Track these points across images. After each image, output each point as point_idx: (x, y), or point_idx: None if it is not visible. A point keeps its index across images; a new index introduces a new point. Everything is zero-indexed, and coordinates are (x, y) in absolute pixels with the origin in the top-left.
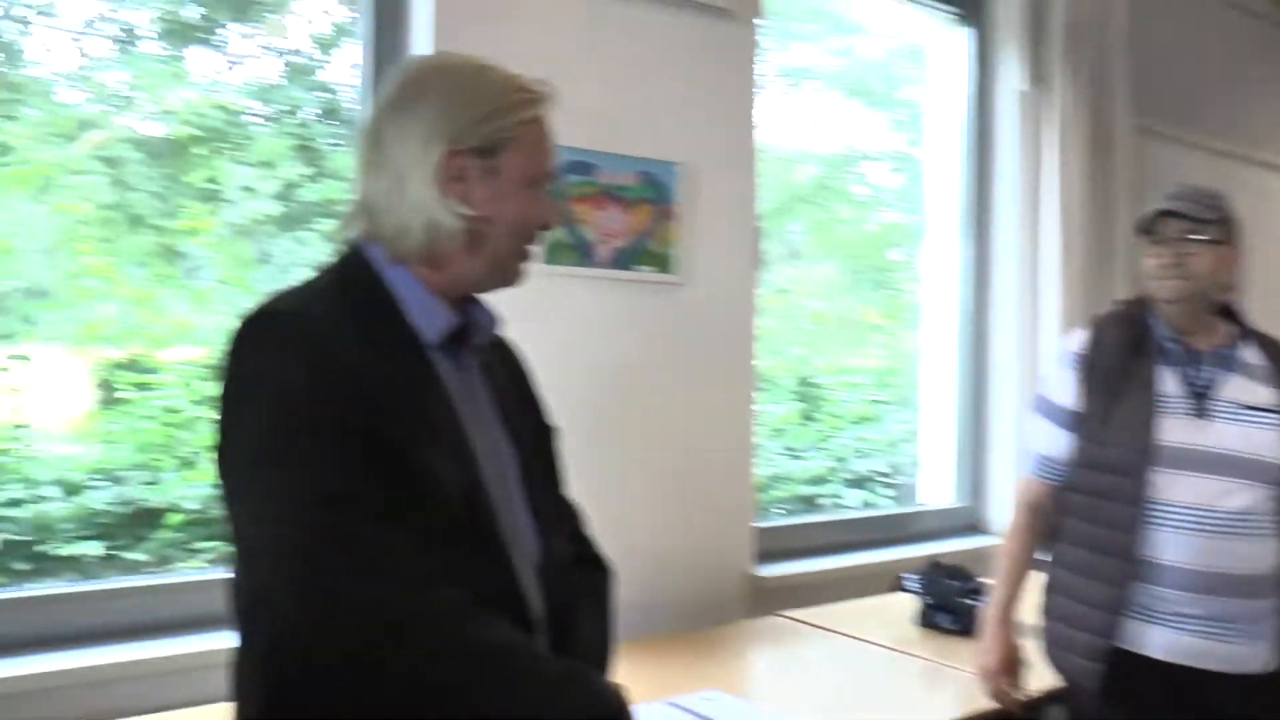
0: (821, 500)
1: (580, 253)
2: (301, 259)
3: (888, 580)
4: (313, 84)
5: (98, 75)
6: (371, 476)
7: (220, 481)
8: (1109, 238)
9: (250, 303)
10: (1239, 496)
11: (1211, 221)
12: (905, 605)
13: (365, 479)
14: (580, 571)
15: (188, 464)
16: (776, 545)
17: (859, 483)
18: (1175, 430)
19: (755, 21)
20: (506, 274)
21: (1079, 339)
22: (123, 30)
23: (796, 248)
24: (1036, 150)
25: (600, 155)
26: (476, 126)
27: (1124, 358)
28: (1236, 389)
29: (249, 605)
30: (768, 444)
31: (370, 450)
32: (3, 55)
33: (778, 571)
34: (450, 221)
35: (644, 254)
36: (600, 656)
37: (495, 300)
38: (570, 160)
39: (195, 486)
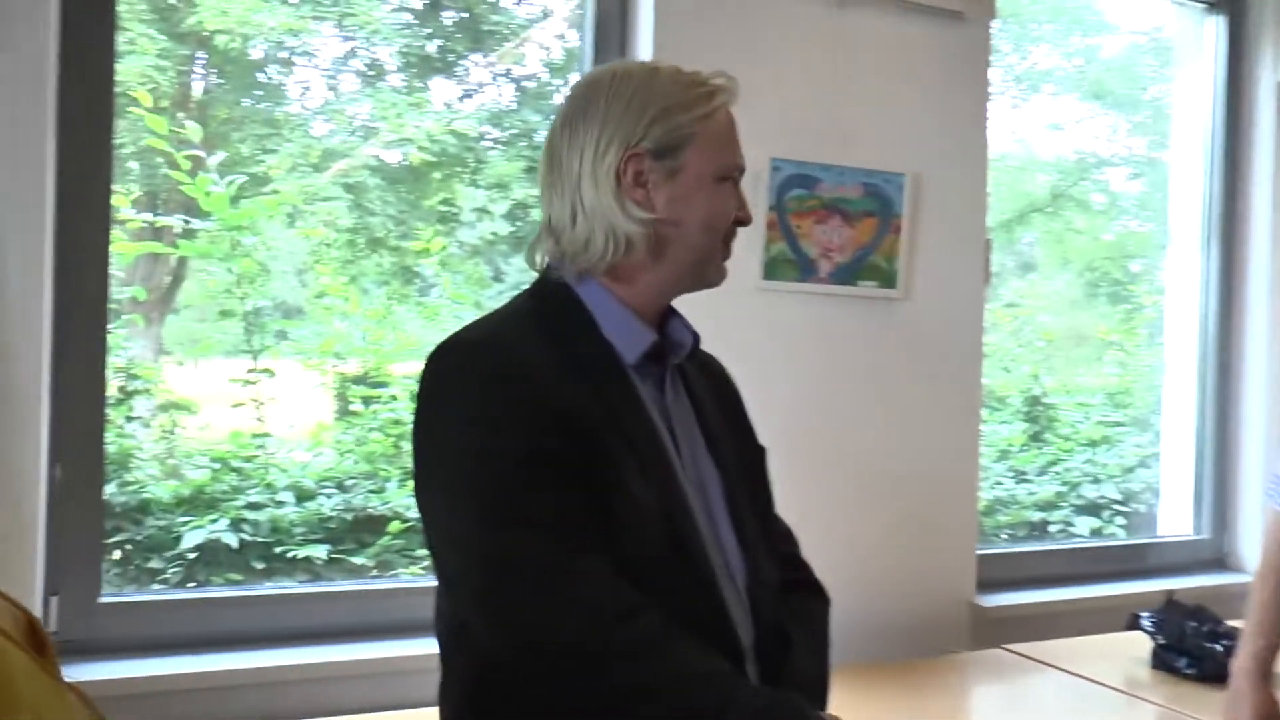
0: (1050, 527)
1: (800, 268)
2: (532, 277)
3: (1121, 616)
4: (545, 107)
5: (346, 108)
6: (567, 503)
7: (419, 507)
8: None
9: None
10: None
11: None
12: (1139, 644)
13: (560, 506)
14: (794, 598)
15: (410, 474)
16: (1001, 574)
17: (1091, 510)
18: None
19: (990, 24)
20: (704, 274)
21: None
22: (368, 65)
23: (1029, 259)
24: None
25: (823, 168)
26: (651, 127)
27: None
28: None
29: (452, 633)
30: (993, 466)
31: (564, 476)
32: (263, 94)
33: (1002, 601)
34: (633, 228)
35: (866, 269)
36: (814, 687)
37: (710, 317)
38: (791, 174)
39: None
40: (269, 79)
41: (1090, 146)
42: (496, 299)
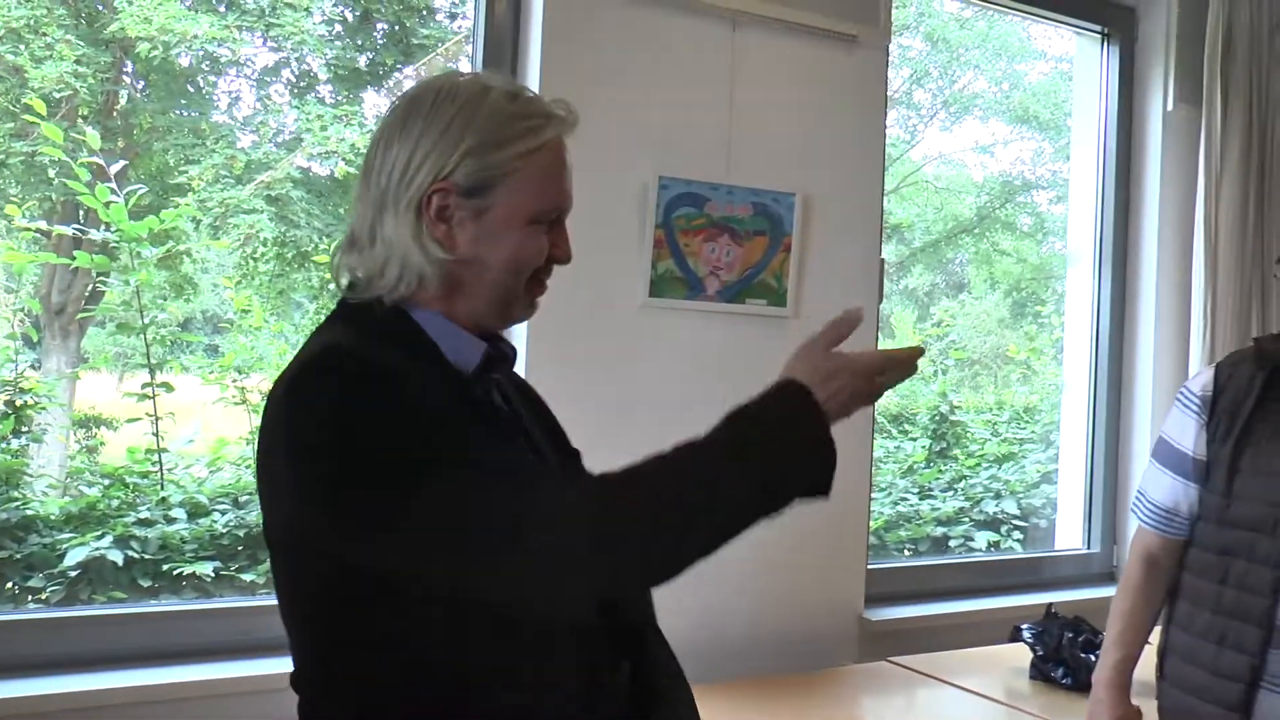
0: (951, 542)
1: (688, 286)
2: None
3: (1008, 629)
4: None
5: (272, 120)
6: (487, 446)
7: (331, 525)
8: (1268, 269)
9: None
10: None
11: None
12: (1020, 656)
13: (483, 447)
14: None
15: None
16: (892, 588)
17: (991, 525)
18: None
19: (886, 47)
20: (508, 313)
21: (1203, 380)
22: (298, 77)
23: (960, 279)
24: (1186, 174)
25: (712, 186)
26: (464, 160)
27: (1258, 401)
28: None
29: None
30: (899, 482)
31: (475, 433)
32: (189, 103)
33: (890, 615)
34: (425, 266)
35: (755, 287)
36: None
37: (595, 334)
38: (680, 192)
39: None
40: (196, 89)
41: (1016, 169)
42: None
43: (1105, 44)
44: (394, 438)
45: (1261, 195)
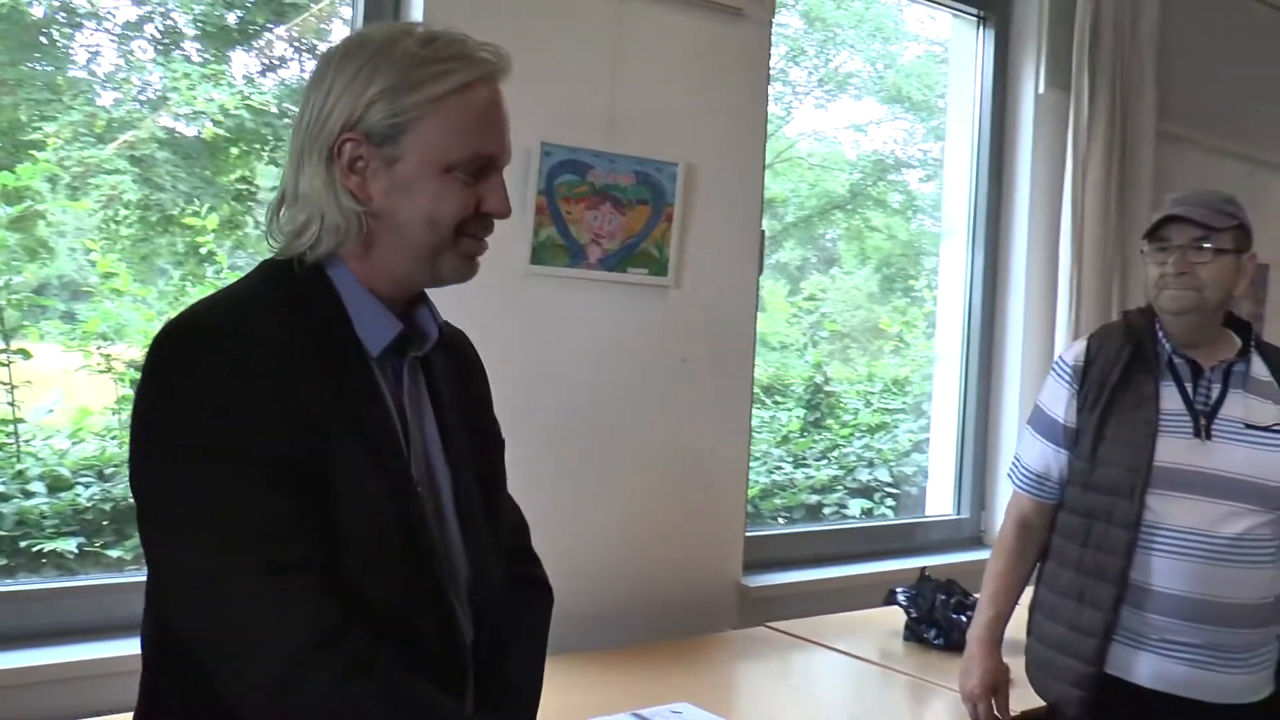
0: (825, 509)
1: (570, 254)
2: None
3: (882, 593)
4: None
5: (135, 77)
6: (282, 515)
7: (135, 499)
8: (1129, 247)
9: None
10: (1239, 522)
11: (1223, 228)
12: (894, 618)
13: (275, 519)
14: (518, 595)
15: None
16: (769, 555)
17: (864, 492)
18: (1175, 451)
19: (770, 22)
20: (436, 271)
21: (1075, 351)
22: (162, 33)
23: (832, 254)
24: (1055, 155)
25: (594, 154)
26: (371, 107)
27: (1124, 372)
28: (1242, 407)
29: (159, 641)
30: (774, 451)
31: (287, 484)
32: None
33: (767, 581)
34: (339, 219)
35: (637, 256)
36: (531, 690)
37: (476, 301)
38: (562, 159)
39: None
40: (51, 41)
41: (889, 148)
42: None
43: (981, 27)
44: (199, 465)
45: (1124, 177)
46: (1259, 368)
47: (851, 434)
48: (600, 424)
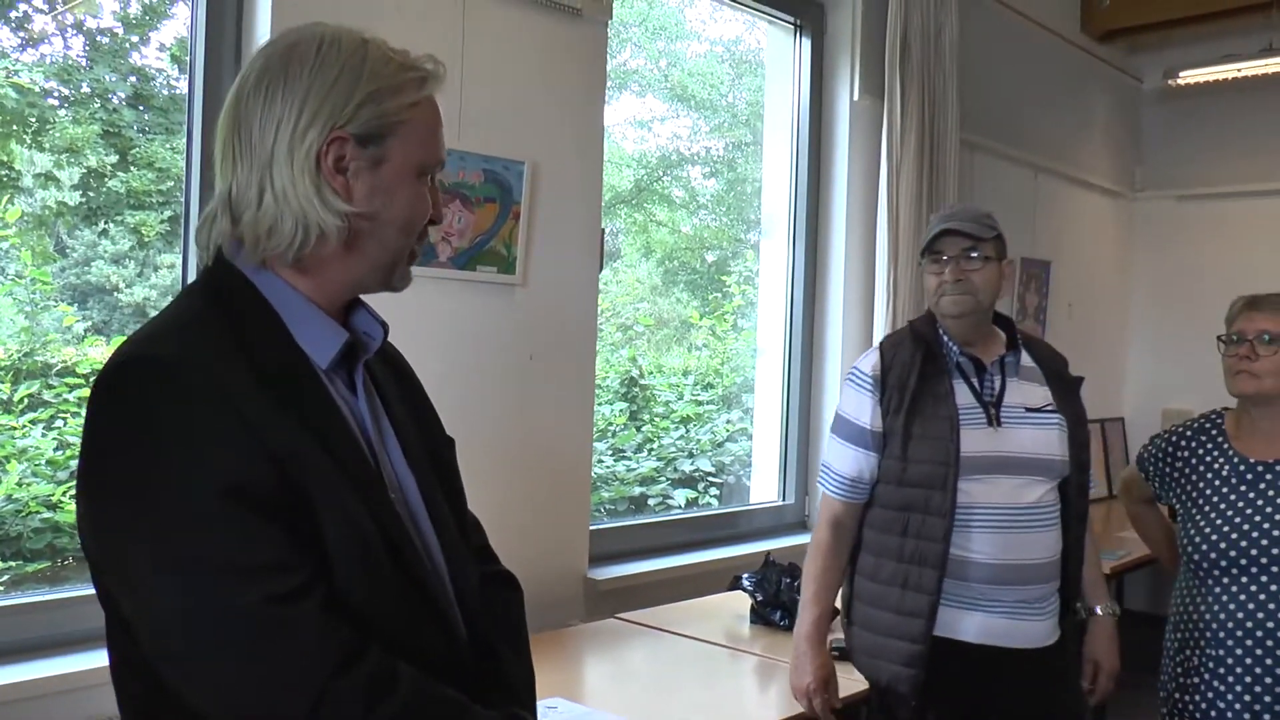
0: (650, 500)
1: (422, 252)
2: (103, 252)
3: (724, 579)
4: (122, 66)
5: None
6: (269, 543)
7: (94, 543)
8: None
9: (50, 301)
10: (1033, 491)
11: (987, 238)
12: (739, 603)
13: (261, 548)
14: (493, 593)
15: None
16: (612, 547)
17: (687, 482)
18: (974, 440)
19: (606, 23)
20: (392, 276)
21: (871, 361)
22: None
23: (613, 249)
24: (870, 158)
25: (445, 153)
26: (360, 109)
27: (919, 376)
28: (1020, 394)
29: (144, 688)
30: (596, 445)
31: (266, 512)
32: None
33: (614, 573)
34: (327, 219)
35: (486, 254)
36: (527, 687)
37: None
38: None
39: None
40: None
41: (672, 145)
42: (63, 276)
43: (798, 35)
44: (161, 508)
45: (933, 181)
46: (1025, 357)
47: (668, 426)
48: (451, 422)
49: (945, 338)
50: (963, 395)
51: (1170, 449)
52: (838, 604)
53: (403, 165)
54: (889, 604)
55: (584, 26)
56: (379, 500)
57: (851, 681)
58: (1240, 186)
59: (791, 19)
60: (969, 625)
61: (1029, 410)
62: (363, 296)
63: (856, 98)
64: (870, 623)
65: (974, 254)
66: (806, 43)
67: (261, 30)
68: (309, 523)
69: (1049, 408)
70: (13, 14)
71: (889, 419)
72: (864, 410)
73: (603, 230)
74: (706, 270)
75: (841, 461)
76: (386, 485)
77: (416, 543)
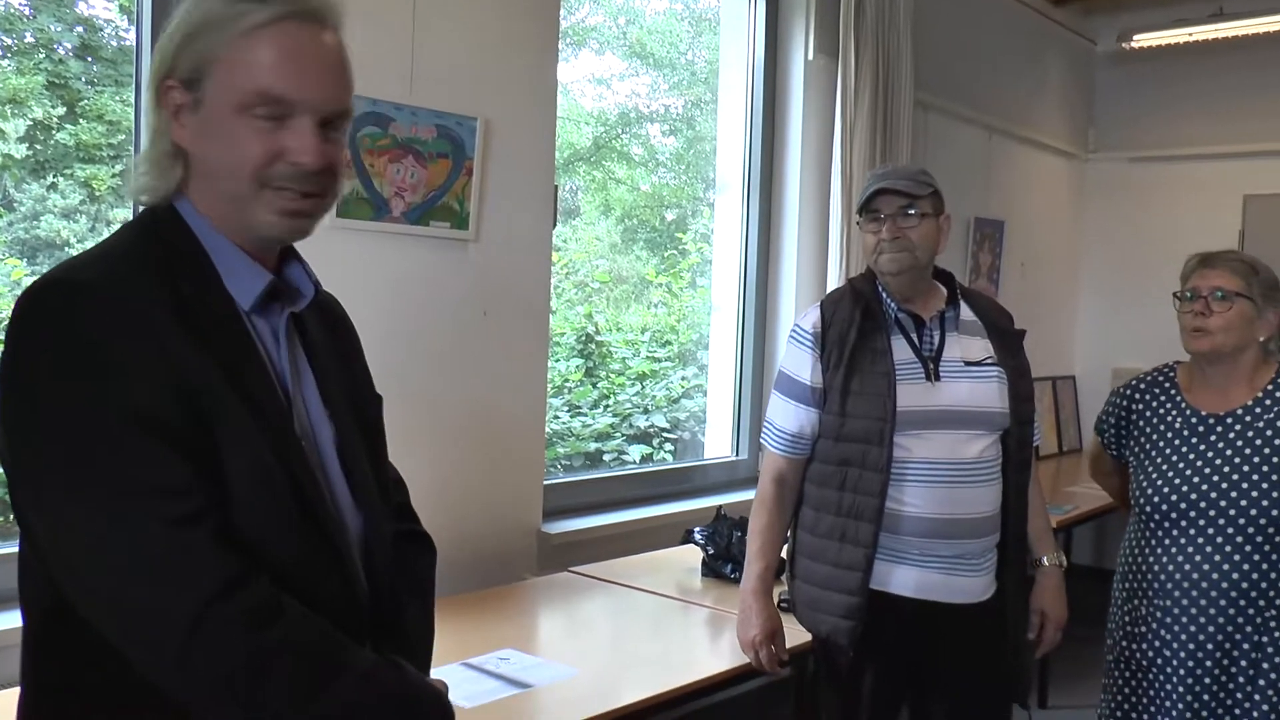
0: (605, 456)
1: (373, 207)
2: (52, 206)
3: (678, 533)
4: (67, 15)
5: None
6: (170, 471)
7: (8, 466)
8: None
9: None
10: (973, 446)
11: (923, 195)
12: (691, 556)
13: (162, 474)
14: (404, 549)
15: None
16: (566, 502)
17: (642, 438)
18: (912, 395)
19: None
20: (249, 224)
21: (812, 319)
22: None
23: (572, 206)
24: (824, 118)
25: (396, 107)
26: (181, 51)
27: (858, 332)
28: (959, 348)
29: (47, 612)
30: (551, 401)
31: (171, 439)
32: None
33: (567, 527)
34: (169, 161)
35: (439, 210)
36: (424, 644)
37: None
38: (365, 111)
39: None
40: None
41: (631, 102)
42: (10, 230)
43: None
44: (79, 422)
45: (887, 140)
46: (966, 311)
47: (624, 383)
48: (405, 378)
49: (884, 294)
50: (901, 351)
51: (1125, 402)
52: (784, 557)
53: (220, 102)
54: (828, 557)
55: None
56: (284, 441)
57: (798, 633)
58: (1191, 149)
59: None
60: (903, 579)
61: (968, 364)
62: (302, 255)
63: (811, 57)
64: (810, 575)
65: (910, 211)
66: (761, 2)
67: None
68: (211, 455)
69: (989, 360)
70: None
71: (828, 375)
72: (804, 367)
73: (556, 187)
74: (666, 228)
75: (783, 417)
76: (293, 428)
77: (322, 486)
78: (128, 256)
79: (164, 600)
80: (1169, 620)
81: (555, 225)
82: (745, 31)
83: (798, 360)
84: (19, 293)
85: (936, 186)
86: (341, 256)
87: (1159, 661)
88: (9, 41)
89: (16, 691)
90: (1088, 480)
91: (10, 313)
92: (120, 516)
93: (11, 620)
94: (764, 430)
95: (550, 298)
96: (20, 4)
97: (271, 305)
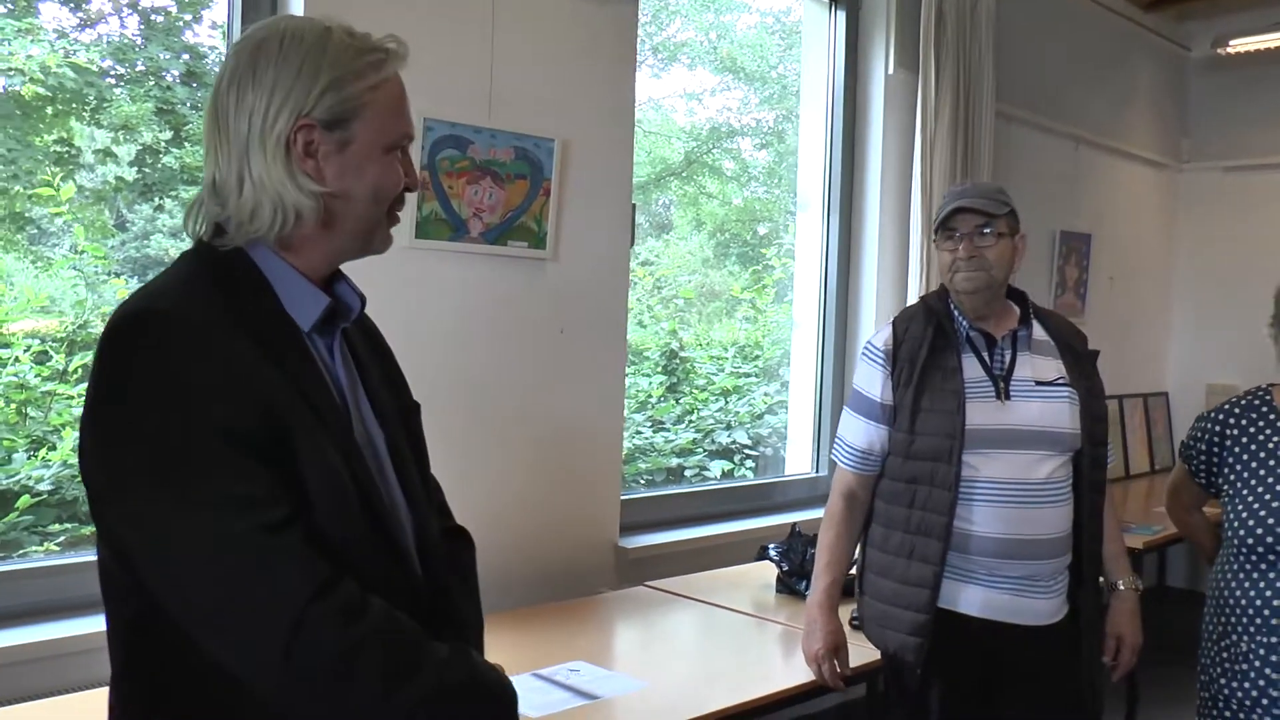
0: (686, 472)
1: (452, 228)
2: (161, 226)
3: (753, 549)
4: (175, 44)
5: None
6: (259, 481)
7: (100, 477)
8: None
9: (106, 275)
10: (1043, 467)
11: (1001, 215)
12: (767, 573)
13: (253, 484)
14: (450, 544)
15: (41, 443)
16: (643, 517)
17: (723, 454)
18: (982, 413)
19: (636, 2)
20: (371, 243)
21: (884, 336)
22: None
23: (665, 220)
24: (904, 132)
25: (475, 130)
26: (323, 97)
27: (929, 350)
28: (1030, 367)
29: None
30: (634, 417)
31: (257, 453)
32: None
33: (643, 542)
34: (302, 200)
35: (517, 229)
36: (475, 632)
37: (362, 275)
38: (444, 134)
39: (50, 467)
40: None
41: (723, 117)
42: (123, 249)
43: (832, 10)
44: (173, 442)
45: (967, 154)
46: (1039, 331)
47: (708, 398)
48: (483, 394)
49: (956, 312)
50: (972, 369)
51: (1218, 428)
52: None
53: (368, 144)
54: (896, 574)
55: (614, 6)
56: (351, 449)
57: (869, 651)
58: None
59: None
60: (971, 598)
61: (1039, 384)
62: (344, 270)
63: (891, 71)
64: (879, 592)
65: (986, 230)
66: (842, 16)
67: (295, 6)
68: (291, 465)
69: (1060, 381)
70: None
71: (899, 392)
72: (875, 383)
73: (634, 205)
74: (758, 242)
75: (853, 434)
76: (357, 439)
77: (381, 490)
78: (196, 285)
79: (265, 605)
80: (1274, 658)
81: (633, 243)
82: (826, 47)
83: (869, 377)
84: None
85: (1013, 206)
86: (420, 276)
87: (1265, 702)
88: (122, 70)
89: (104, 691)
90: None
91: (98, 344)
92: (220, 526)
93: (94, 624)
94: (835, 446)
95: (627, 314)
96: (133, 35)
97: (326, 325)
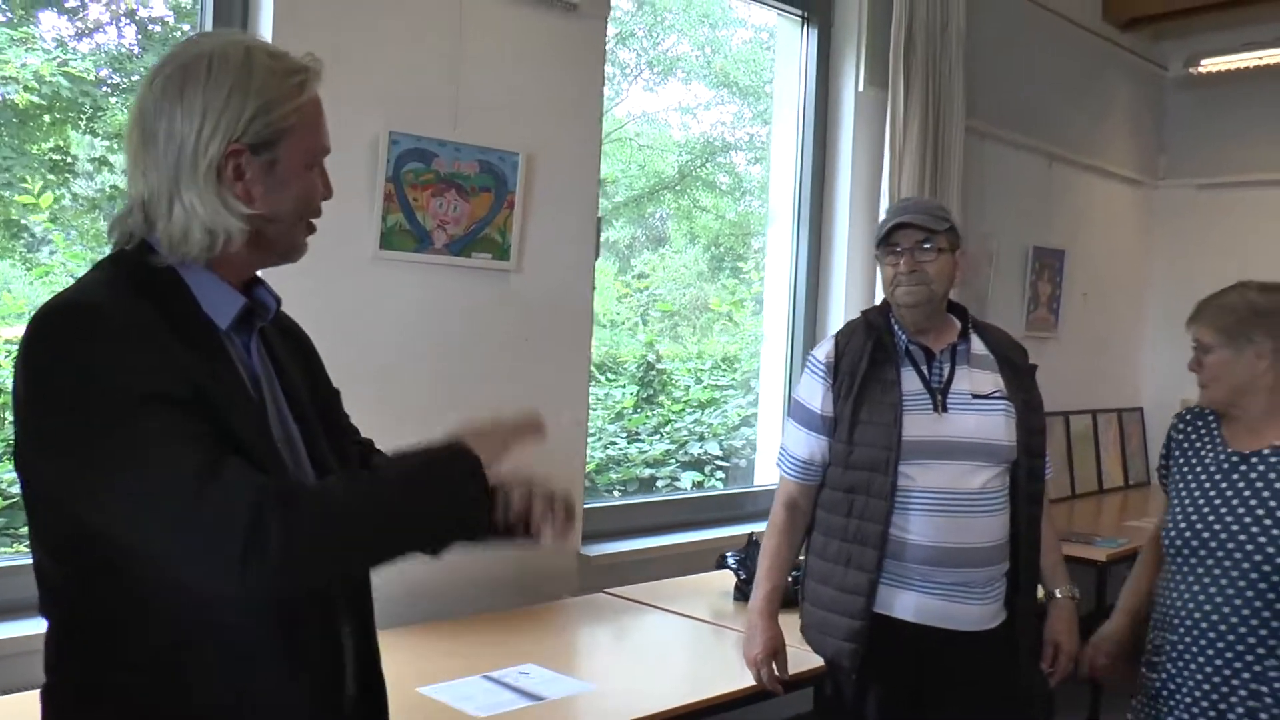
0: (658, 482)
1: (417, 239)
2: None
3: (714, 558)
4: None
5: None
6: (211, 431)
7: (41, 463)
8: None
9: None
10: (977, 477)
11: (941, 231)
12: (727, 581)
13: (207, 434)
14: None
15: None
16: (609, 525)
17: (695, 465)
18: (919, 425)
19: (605, 19)
20: (290, 254)
21: (826, 349)
22: None
23: (661, 234)
24: (874, 148)
25: (440, 143)
26: (252, 122)
27: (869, 363)
28: (968, 381)
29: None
30: (609, 427)
31: (195, 415)
32: None
33: (607, 550)
34: (232, 224)
35: (481, 241)
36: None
37: (327, 286)
38: (409, 147)
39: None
40: None
41: (716, 131)
42: None
43: (805, 26)
44: (107, 404)
45: (936, 171)
46: (978, 345)
47: (683, 409)
48: (447, 403)
49: (896, 326)
50: (910, 382)
51: (1174, 433)
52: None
53: (293, 163)
54: (834, 581)
55: (581, 22)
56: (266, 445)
57: (810, 657)
58: (1263, 175)
59: (799, 11)
60: (905, 603)
61: (976, 396)
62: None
63: (861, 89)
64: (818, 599)
65: (927, 245)
66: (813, 34)
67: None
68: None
69: (997, 394)
70: (68, 2)
71: (839, 404)
72: (816, 395)
73: (600, 218)
74: (751, 256)
75: (795, 444)
76: (272, 433)
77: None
78: (119, 286)
79: (221, 516)
80: (1175, 655)
81: (598, 255)
82: (798, 63)
83: (810, 389)
84: None
85: (954, 223)
86: (385, 287)
87: (1164, 694)
88: (118, 80)
89: (34, 694)
90: (1153, 515)
91: (23, 340)
92: (174, 469)
93: (24, 628)
94: (778, 456)
95: (592, 326)
96: (130, 44)
97: (242, 325)
